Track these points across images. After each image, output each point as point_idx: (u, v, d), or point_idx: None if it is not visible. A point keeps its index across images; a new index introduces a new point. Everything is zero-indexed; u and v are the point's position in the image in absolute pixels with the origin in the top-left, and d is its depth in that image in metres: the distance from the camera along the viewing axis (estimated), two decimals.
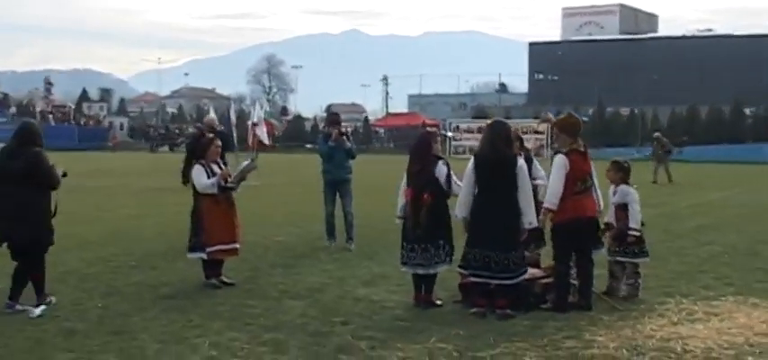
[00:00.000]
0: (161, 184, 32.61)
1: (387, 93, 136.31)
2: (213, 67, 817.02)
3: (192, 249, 12.90)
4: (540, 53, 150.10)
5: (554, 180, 11.17)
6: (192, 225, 12.97)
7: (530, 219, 10.75)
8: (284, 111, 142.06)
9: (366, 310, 11.12)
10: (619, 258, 11.91)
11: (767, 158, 67.68)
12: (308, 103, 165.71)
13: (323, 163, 17.19)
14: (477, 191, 10.88)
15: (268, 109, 63.54)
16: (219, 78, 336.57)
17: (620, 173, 12.17)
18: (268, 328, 10.06)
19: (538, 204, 11.36)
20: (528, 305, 10.89)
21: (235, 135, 41.38)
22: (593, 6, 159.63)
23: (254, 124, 40.47)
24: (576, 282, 11.25)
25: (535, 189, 11.74)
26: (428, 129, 16.07)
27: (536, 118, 66.69)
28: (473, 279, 10.84)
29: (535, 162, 12.70)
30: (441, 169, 11.31)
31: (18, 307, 10.95)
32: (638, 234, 11.96)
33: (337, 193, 17.13)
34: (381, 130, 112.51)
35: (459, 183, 11.25)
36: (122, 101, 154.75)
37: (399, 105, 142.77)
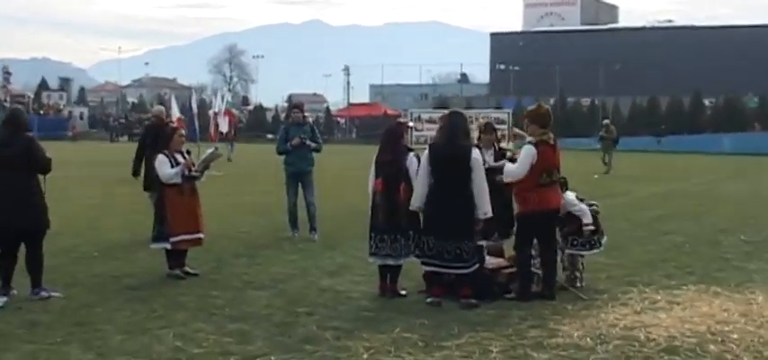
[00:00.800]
0: (122, 174, 32.10)
1: (348, 83, 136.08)
2: (174, 57, 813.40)
3: (155, 239, 12.83)
4: (502, 44, 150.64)
5: (518, 164, 11.22)
6: (156, 215, 12.90)
7: (484, 209, 10.77)
8: (245, 101, 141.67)
9: (331, 300, 11.11)
10: (568, 250, 11.92)
11: (726, 149, 68.28)
12: (269, 94, 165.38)
13: (284, 154, 17.16)
14: (432, 181, 10.88)
15: (229, 99, 63.15)
16: (180, 68, 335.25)
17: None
18: (233, 318, 10.03)
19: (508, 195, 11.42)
20: (492, 295, 10.93)
21: (197, 125, 41.48)
22: None
23: (216, 114, 40.50)
24: (539, 271, 11.31)
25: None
26: (400, 120, 16.03)
27: (498, 108, 66.77)
28: (426, 268, 10.89)
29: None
30: (412, 161, 11.29)
31: (43, 293, 11.06)
32: (592, 227, 11.99)
33: (299, 184, 17.12)
34: (343, 121, 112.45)
35: None
36: (82, 90, 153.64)
37: (361, 96, 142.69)
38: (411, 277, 11.69)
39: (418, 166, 11.19)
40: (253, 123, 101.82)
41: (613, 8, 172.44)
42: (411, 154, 11.43)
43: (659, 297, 11.14)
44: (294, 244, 15.96)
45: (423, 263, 10.93)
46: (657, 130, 77.28)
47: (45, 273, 11.36)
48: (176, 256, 12.66)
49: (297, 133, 17.06)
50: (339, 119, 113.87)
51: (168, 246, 12.57)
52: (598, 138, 42.49)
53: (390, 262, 11.26)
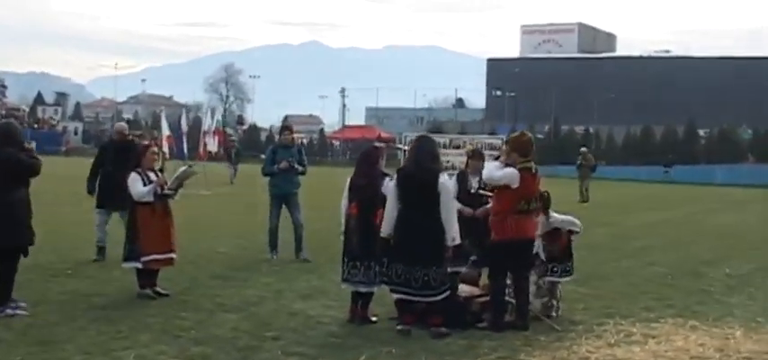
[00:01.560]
0: None
1: (344, 105, 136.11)
2: (171, 75, 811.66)
3: (126, 258, 12.61)
4: (498, 69, 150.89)
5: (499, 172, 11.06)
6: (127, 233, 12.70)
7: (452, 235, 10.58)
8: (240, 120, 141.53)
9: (300, 324, 10.91)
10: (548, 278, 11.77)
11: (718, 180, 68.23)
12: (265, 114, 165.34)
13: (270, 176, 17.00)
14: (400, 206, 10.70)
15: (218, 117, 63.01)
16: (177, 86, 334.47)
17: (541, 203, 11.98)
18: (198, 341, 9.82)
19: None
20: (464, 324, 10.73)
21: (185, 143, 41.33)
22: (552, 24, 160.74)
23: (205, 132, 40.32)
24: (514, 301, 11.12)
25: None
26: (376, 144, 15.87)
27: (492, 134, 66.68)
28: (395, 295, 10.68)
29: None
30: (388, 186, 11.10)
31: (8, 311, 10.85)
32: (576, 235, 11.98)
33: (284, 206, 16.94)
34: (337, 143, 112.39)
35: None
36: (78, 105, 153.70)
37: (357, 118, 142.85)
38: (383, 303, 11.47)
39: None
40: (247, 143, 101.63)
41: (611, 37, 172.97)
42: (387, 178, 11.24)
43: (635, 330, 10.94)
44: (271, 266, 15.76)
45: (391, 290, 10.73)
46: (666, 160, 77.10)
47: (16, 289, 11.17)
48: (147, 276, 12.45)
49: (285, 155, 16.92)
50: (333, 141, 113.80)
51: (139, 265, 12.36)
52: (576, 165, 41.90)
53: (362, 289, 11.07)
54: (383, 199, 10.98)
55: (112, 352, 9.24)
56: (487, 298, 11.20)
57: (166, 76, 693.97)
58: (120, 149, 16.00)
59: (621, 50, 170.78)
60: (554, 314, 11.59)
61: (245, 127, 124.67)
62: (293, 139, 17.89)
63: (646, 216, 31.84)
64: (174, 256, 12.71)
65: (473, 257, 11.90)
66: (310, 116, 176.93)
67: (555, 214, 12.05)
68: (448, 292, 10.64)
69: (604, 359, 9.41)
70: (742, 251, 20.49)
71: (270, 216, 16.99)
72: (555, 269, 11.79)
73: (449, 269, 10.82)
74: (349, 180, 11.47)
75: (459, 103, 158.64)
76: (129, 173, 12.65)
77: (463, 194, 11.96)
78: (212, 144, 41.61)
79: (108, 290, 12.92)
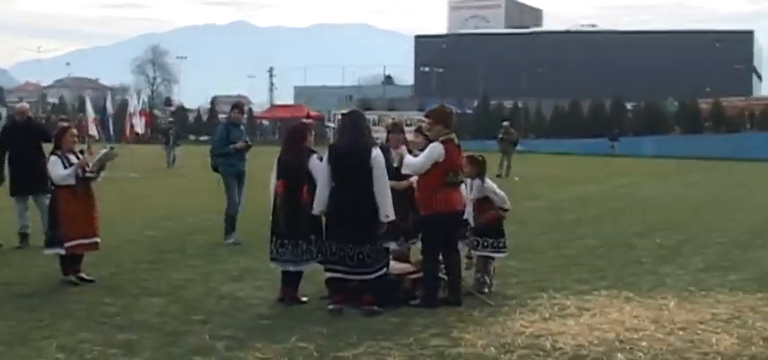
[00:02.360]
0: None
1: (272, 84, 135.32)
2: (97, 57, 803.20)
3: (48, 245, 12.25)
4: (426, 46, 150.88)
5: (421, 158, 10.87)
6: (49, 219, 12.33)
7: (386, 212, 10.37)
8: (168, 102, 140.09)
9: (229, 307, 10.65)
10: (473, 252, 11.64)
11: (645, 152, 68.85)
12: (193, 95, 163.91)
13: (225, 155, 16.49)
14: (333, 183, 10.47)
15: (144, 99, 62.24)
16: (103, 69, 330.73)
17: (476, 167, 11.87)
18: (123, 327, 9.51)
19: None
20: (396, 301, 10.53)
21: (111, 125, 40.82)
22: (479, 1, 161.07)
23: (131, 114, 39.85)
24: (445, 276, 10.94)
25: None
26: (303, 120, 15.55)
27: (421, 110, 66.63)
28: (329, 274, 10.46)
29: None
30: (315, 163, 10.85)
31: None
32: (506, 212, 11.88)
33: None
34: (266, 122, 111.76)
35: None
36: (1, 90, 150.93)
37: (286, 97, 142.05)
38: (313, 282, 11.24)
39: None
40: (164, 124, 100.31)
41: (537, 12, 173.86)
42: (314, 155, 10.99)
43: (569, 303, 10.83)
44: (198, 248, 15.46)
45: (326, 269, 10.49)
46: (611, 134, 77.40)
47: None
48: (71, 262, 12.08)
49: (237, 134, 16.64)
50: (262, 120, 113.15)
51: (62, 251, 11.98)
52: (498, 139, 40.83)
53: (291, 268, 10.82)
54: (309, 175, 10.75)
55: (33, 341, 8.91)
56: (420, 274, 11.00)
57: (92, 59, 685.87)
58: (23, 130, 15.54)
59: (548, 25, 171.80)
60: (487, 289, 11.45)
61: (172, 108, 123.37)
62: (242, 116, 17.52)
63: (575, 189, 31.88)
64: (98, 240, 12.33)
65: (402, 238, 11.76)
66: (239, 96, 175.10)
67: (490, 181, 11.95)
68: (383, 270, 10.43)
69: (539, 333, 9.24)
70: (672, 222, 20.54)
71: (229, 198, 16.44)
72: (486, 244, 11.65)
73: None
74: (276, 158, 11.22)
75: (388, 80, 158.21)
76: (42, 155, 12.27)
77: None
78: (139, 125, 41.15)
79: (30, 277, 12.57)
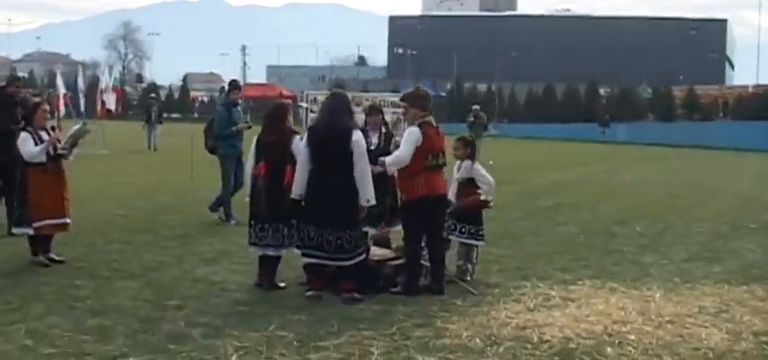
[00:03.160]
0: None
1: (245, 63, 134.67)
2: (69, 32, 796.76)
3: (17, 224, 11.89)
4: (400, 27, 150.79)
5: (401, 149, 10.56)
6: (18, 197, 11.94)
7: (367, 196, 10.05)
8: (140, 78, 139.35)
9: (204, 292, 10.30)
10: (450, 237, 11.37)
11: (619, 138, 68.93)
12: (164, 72, 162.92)
13: (227, 137, 16.18)
14: (312, 166, 10.15)
15: (116, 75, 61.73)
16: (74, 44, 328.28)
17: (468, 148, 11.64)
18: (95, 311, 9.15)
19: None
20: (377, 288, 10.24)
21: (82, 101, 40.35)
22: None
23: (102, 90, 39.42)
24: (428, 263, 10.66)
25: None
26: (283, 100, 15.22)
27: (395, 91, 66.36)
28: (307, 260, 10.16)
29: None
30: (297, 144, 10.49)
31: None
32: (491, 203, 11.59)
33: None
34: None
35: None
36: None
37: (258, 76, 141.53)
38: (292, 267, 10.93)
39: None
40: (146, 101, 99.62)
41: None
42: (297, 137, 10.64)
43: (554, 293, 10.57)
44: (172, 229, 15.11)
45: (303, 254, 10.17)
46: (602, 120, 77.35)
47: None
48: (41, 242, 11.69)
49: (237, 115, 16.40)
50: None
51: (31, 231, 11.60)
52: (468, 124, 38.99)
53: (271, 252, 10.49)
54: (292, 157, 10.42)
55: (0, 326, 8.55)
56: (401, 261, 10.72)
57: (63, 34, 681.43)
58: None
59: (523, 9, 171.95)
60: (469, 277, 11.20)
61: (144, 85, 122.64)
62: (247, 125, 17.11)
63: (551, 175, 31.75)
64: (68, 220, 11.92)
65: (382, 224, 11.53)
66: (211, 74, 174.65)
67: (479, 165, 11.69)
68: (362, 256, 10.14)
69: (525, 325, 8.97)
70: (650, 210, 20.37)
71: (227, 179, 16.12)
72: (464, 230, 11.40)
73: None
74: (256, 139, 10.85)
75: (362, 60, 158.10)
76: (20, 132, 11.86)
77: None
78: (110, 102, 40.71)
79: None
